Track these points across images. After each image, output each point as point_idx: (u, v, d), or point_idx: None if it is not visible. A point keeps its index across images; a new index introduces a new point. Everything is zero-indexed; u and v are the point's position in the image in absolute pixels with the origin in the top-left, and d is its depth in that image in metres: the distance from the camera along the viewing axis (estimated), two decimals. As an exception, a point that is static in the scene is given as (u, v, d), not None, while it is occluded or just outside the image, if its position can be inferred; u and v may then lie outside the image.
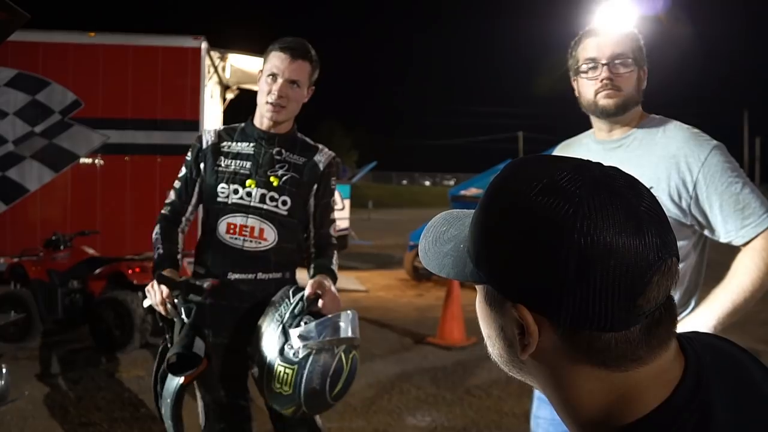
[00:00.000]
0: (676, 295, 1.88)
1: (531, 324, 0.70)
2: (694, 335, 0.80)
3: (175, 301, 2.30)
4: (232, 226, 2.44)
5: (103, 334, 5.94)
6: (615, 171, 0.72)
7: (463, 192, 11.48)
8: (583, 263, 0.65)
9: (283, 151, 2.49)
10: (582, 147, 2.11)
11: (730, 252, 1.81)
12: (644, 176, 1.84)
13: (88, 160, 8.91)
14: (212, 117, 10.44)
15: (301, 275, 2.51)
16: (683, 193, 1.82)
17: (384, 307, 8.28)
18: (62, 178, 8.78)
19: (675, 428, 0.67)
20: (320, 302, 2.29)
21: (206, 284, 2.33)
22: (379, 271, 11.77)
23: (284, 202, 2.44)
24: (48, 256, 6.39)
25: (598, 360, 0.70)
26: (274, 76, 2.41)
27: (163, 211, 2.64)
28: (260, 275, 2.45)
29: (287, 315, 2.22)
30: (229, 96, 11.47)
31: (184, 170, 2.59)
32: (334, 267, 2.50)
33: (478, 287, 0.78)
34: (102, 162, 8.94)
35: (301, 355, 2.14)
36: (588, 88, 1.94)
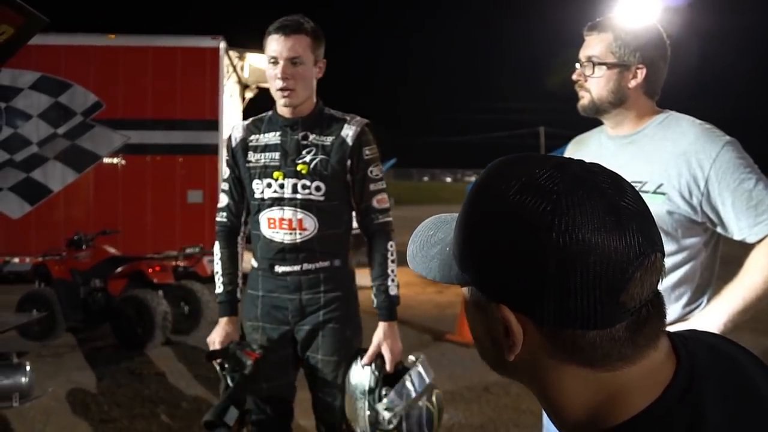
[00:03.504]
0: (687, 293, 1.86)
1: (514, 324, 0.70)
2: (692, 334, 0.79)
3: (225, 365, 2.43)
4: (271, 221, 2.40)
5: (124, 332, 6.01)
6: (596, 167, 0.71)
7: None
8: (562, 261, 0.65)
9: (309, 134, 2.40)
10: (594, 142, 2.10)
11: (746, 247, 1.78)
12: (654, 172, 1.83)
13: (110, 161, 9.03)
14: (232, 116, 10.50)
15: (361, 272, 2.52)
16: (694, 190, 1.79)
17: (403, 303, 8.16)
18: (85, 178, 8.92)
19: (663, 430, 0.67)
20: (387, 361, 2.37)
21: (249, 362, 2.39)
22: (399, 267, 11.60)
23: (318, 188, 2.37)
24: (71, 256, 6.47)
25: (584, 359, 0.69)
26: (274, 60, 2.33)
27: (219, 218, 2.57)
28: (306, 265, 2.40)
29: (368, 391, 2.34)
30: (248, 95, 11.51)
31: (227, 171, 2.54)
32: (390, 282, 2.45)
33: (464, 289, 0.78)
34: (123, 162, 9.06)
35: (395, 423, 2.30)
36: None
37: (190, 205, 8.92)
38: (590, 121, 2.09)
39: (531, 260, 0.66)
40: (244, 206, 2.53)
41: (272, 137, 2.44)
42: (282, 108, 2.43)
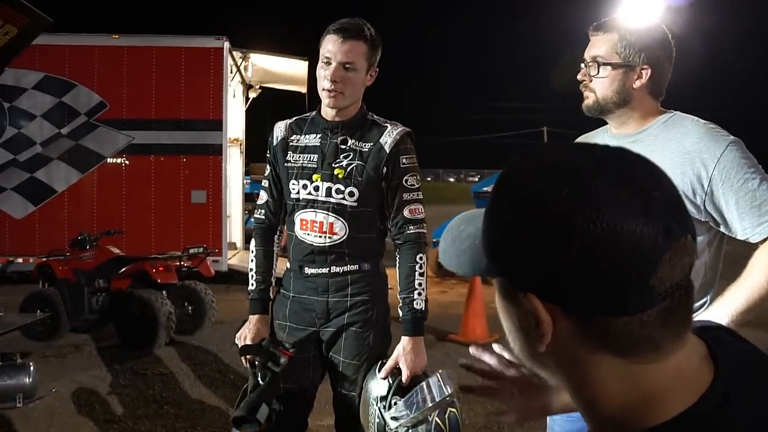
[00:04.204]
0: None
1: (542, 313, 0.68)
2: (727, 338, 0.77)
3: (256, 362, 2.39)
4: (304, 222, 2.39)
5: (128, 332, 6.02)
6: (621, 151, 0.70)
7: (486, 188, 11.42)
8: (587, 246, 0.63)
9: (348, 138, 2.38)
10: (599, 141, 2.09)
11: (751, 246, 1.77)
12: (658, 172, 1.82)
13: (114, 161, 9.03)
14: (235, 116, 10.50)
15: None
16: (698, 190, 1.79)
17: (407, 304, 8.19)
18: (88, 178, 8.94)
19: None
20: (403, 375, 2.31)
21: (282, 360, 2.37)
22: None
23: (351, 193, 2.34)
24: (74, 256, 6.48)
25: (616, 347, 0.67)
26: (327, 60, 2.30)
27: (257, 215, 2.58)
28: (334, 268, 2.38)
29: (379, 398, 2.31)
30: (252, 95, 11.53)
31: (268, 168, 2.54)
32: (416, 296, 2.38)
33: (495, 281, 0.77)
34: (127, 162, 9.06)
35: None
36: None
37: (194, 206, 8.93)
38: (593, 121, 2.08)
39: (556, 247, 0.65)
40: (283, 204, 2.53)
41: (312, 139, 2.42)
42: (325, 109, 2.40)
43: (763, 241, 1.74)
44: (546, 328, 0.69)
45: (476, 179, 56.87)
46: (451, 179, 72.20)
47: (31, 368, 3.74)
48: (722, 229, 1.82)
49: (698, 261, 1.85)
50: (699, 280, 1.86)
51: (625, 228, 0.63)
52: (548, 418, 2.16)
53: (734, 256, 1.95)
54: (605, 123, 2.09)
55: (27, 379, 3.69)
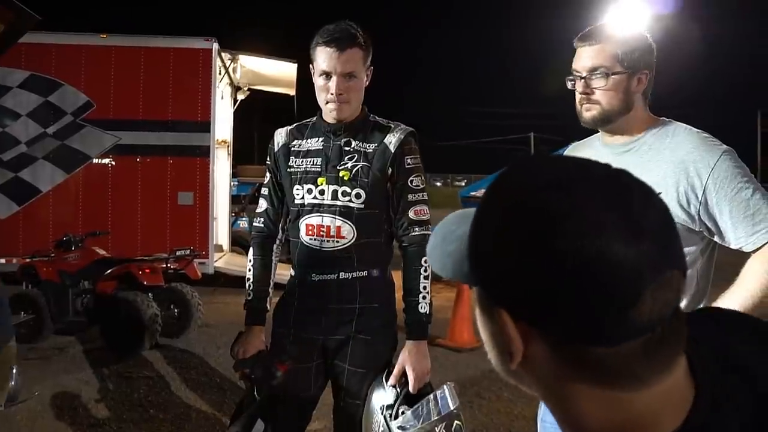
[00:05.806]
0: (684, 301, 1.84)
1: (512, 331, 0.66)
2: (703, 340, 0.73)
3: (252, 376, 2.33)
4: (310, 228, 2.34)
5: (113, 334, 5.94)
6: (620, 173, 0.67)
7: (473, 193, 11.47)
8: (568, 269, 0.60)
9: (352, 140, 2.34)
10: (591, 150, 2.08)
11: (736, 252, 1.79)
12: (652, 181, 1.79)
13: (100, 161, 8.95)
14: (223, 118, 10.45)
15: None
16: (692, 199, 1.79)
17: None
18: (74, 179, 8.85)
19: None
20: (410, 382, 2.28)
21: (279, 373, 2.31)
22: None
23: (358, 195, 2.30)
24: (59, 257, 6.41)
25: (592, 377, 0.65)
26: (326, 74, 2.25)
27: (256, 224, 2.54)
28: (342, 275, 2.33)
29: (386, 407, 2.28)
30: (240, 97, 11.49)
31: (268, 175, 2.50)
32: (421, 300, 2.35)
33: (474, 290, 0.75)
34: (113, 163, 8.98)
35: None
36: (577, 98, 1.96)
37: (181, 207, 8.86)
38: (580, 128, 2.07)
39: (535, 266, 0.62)
40: (283, 212, 2.48)
41: (314, 143, 2.38)
42: (327, 114, 2.36)
43: (756, 249, 1.75)
44: (516, 347, 0.67)
45: (463, 184, 56.97)
46: (438, 184, 72.31)
47: (14, 371, 3.66)
48: (716, 238, 1.83)
49: (691, 271, 1.86)
50: (692, 289, 1.87)
51: (610, 257, 0.60)
52: (539, 425, 2.16)
53: (717, 263, 1.96)
54: (590, 131, 2.08)
55: (9, 382, 3.62)
